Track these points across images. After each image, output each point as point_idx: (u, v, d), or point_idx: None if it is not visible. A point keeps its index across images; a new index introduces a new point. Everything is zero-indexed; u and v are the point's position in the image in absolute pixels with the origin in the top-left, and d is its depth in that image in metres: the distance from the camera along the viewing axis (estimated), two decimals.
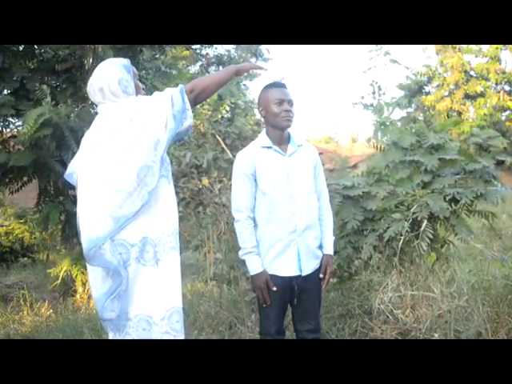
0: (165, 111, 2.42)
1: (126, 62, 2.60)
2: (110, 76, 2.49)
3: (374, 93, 4.74)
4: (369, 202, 4.04)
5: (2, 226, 10.56)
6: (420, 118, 21.13)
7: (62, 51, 6.09)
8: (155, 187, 2.42)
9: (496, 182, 3.99)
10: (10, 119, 6.14)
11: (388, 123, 4.52)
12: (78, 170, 2.52)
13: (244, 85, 16.05)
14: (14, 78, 5.89)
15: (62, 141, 5.52)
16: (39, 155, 5.59)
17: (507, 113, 20.90)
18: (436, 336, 3.60)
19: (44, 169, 5.93)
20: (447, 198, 3.91)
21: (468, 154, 4.14)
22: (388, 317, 3.84)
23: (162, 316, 2.40)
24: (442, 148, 4.10)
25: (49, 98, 5.33)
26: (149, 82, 6.40)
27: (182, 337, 2.46)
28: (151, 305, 2.40)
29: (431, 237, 3.84)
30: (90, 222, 2.36)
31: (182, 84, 2.56)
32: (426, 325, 3.70)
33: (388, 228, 3.89)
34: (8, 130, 6.33)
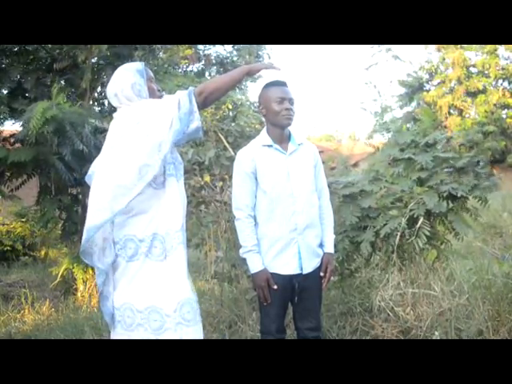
0: (171, 113, 2.48)
1: (139, 66, 2.68)
2: (123, 81, 2.60)
3: (375, 100, 4.80)
4: (366, 200, 4.05)
5: (3, 225, 10.57)
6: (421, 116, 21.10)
7: (57, 50, 6.10)
8: (164, 186, 2.53)
9: (484, 173, 4.01)
10: (2, 116, 6.14)
11: (389, 122, 4.55)
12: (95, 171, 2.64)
13: (246, 85, 16.00)
14: (12, 78, 5.91)
15: (62, 137, 5.54)
16: (39, 152, 5.60)
17: (507, 110, 20.85)
18: (437, 334, 3.60)
19: (44, 166, 5.94)
20: (444, 195, 3.92)
21: (460, 151, 4.17)
22: (389, 315, 3.84)
23: (174, 308, 2.46)
24: (435, 146, 4.13)
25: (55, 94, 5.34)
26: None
27: (196, 325, 2.52)
28: (161, 298, 2.47)
29: (428, 234, 3.84)
30: (93, 213, 2.47)
31: (178, 86, 2.60)
32: (427, 323, 3.70)
33: (385, 224, 3.90)
34: (2, 127, 6.35)
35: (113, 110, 2.72)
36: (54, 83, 6.46)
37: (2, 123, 6.17)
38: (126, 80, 2.59)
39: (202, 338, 2.54)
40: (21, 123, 5.61)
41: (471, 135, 4.28)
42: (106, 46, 5.62)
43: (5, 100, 5.67)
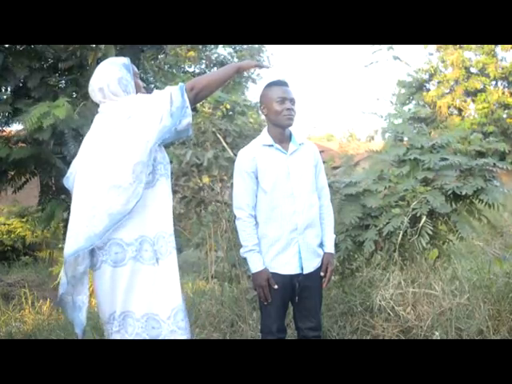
0: (162, 108, 2.44)
1: (125, 60, 2.62)
2: (109, 76, 2.53)
3: (392, 102, 4.79)
4: (369, 200, 4.05)
5: (4, 225, 10.58)
6: (421, 116, 21.13)
7: (63, 51, 6.09)
8: (154, 186, 2.45)
9: (496, 182, 4.00)
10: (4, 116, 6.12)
11: (398, 124, 4.54)
12: (75, 170, 2.55)
13: (246, 86, 15.99)
14: (17, 76, 5.89)
15: (62, 137, 5.53)
16: (40, 151, 5.60)
17: (507, 110, 20.82)
18: (437, 334, 3.60)
19: (45, 165, 5.93)
20: (448, 194, 3.92)
21: (469, 153, 4.17)
22: (389, 314, 3.84)
23: (168, 315, 2.41)
24: (443, 148, 4.13)
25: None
26: (151, 82, 6.43)
27: (187, 334, 2.47)
28: (156, 303, 2.41)
29: (430, 233, 3.84)
30: (88, 220, 2.37)
31: (182, 83, 2.58)
32: (428, 322, 3.70)
33: (387, 223, 3.90)
34: (9, 127, 6.33)
35: None
36: (58, 83, 6.48)
37: (8, 124, 6.13)
38: (113, 74, 2.53)
39: None
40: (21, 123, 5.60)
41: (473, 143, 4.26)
42: (114, 50, 5.61)
43: (9, 100, 5.66)
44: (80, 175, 2.48)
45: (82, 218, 2.39)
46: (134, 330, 2.40)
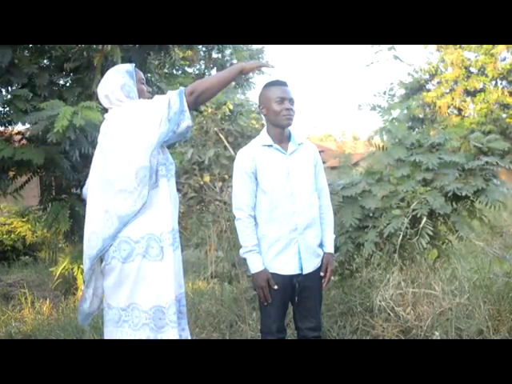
0: (160, 113, 2.51)
1: (129, 67, 2.70)
2: (113, 83, 2.63)
3: (384, 93, 4.73)
4: (368, 201, 4.04)
5: (4, 225, 10.58)
6: (421, 116, 21.13)
7: (70, 51, 6.09)
8: (157, 186, 2.53)
9: (496, 181, 3.99)
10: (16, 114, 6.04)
11: (396, 123, 4.51)
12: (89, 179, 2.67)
13: (244, 86, 15.96)
14: (26, 72, 5.87)
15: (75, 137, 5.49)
16: (45, 150, 5.58)
17: (506, 110, 20.79)
18: (437, 334, 3.60)
19: (49, 164, 5.91)
20: (448, 195, 3.92)
21: (469, 152, 4.16)
22: (389, 314, 3.84)
23: (164, 307, 2.51)
24: (442, 146, 4.12)
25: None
26: (154, 85, 6.43)
27: (177, 328, 2.55)
28: (160, 296, 2.51)
29: (431, 234, 3.84)
30: (103, 223, 2.51)
31: (184, 86, 2.63)
32: (428, 322, 3.70)
33: (388, 224, 3.89)
34: (24, 125, 6.27)
35: None
36: (65, 83, 6.46)
37: (22, 120, 6.03)
38: (116, 81, 2.62)
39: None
40: (33, 121, 5.53)
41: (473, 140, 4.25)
42: (119, 51, 5.58)
43: (27, 95, 5.63)
44: (92, 182, 2.61)
45: (97, 221, 2.53)
46: (140, 321, 2.50)
